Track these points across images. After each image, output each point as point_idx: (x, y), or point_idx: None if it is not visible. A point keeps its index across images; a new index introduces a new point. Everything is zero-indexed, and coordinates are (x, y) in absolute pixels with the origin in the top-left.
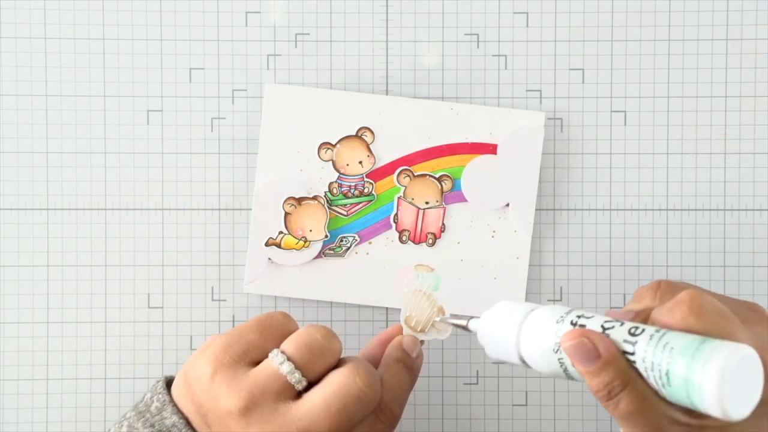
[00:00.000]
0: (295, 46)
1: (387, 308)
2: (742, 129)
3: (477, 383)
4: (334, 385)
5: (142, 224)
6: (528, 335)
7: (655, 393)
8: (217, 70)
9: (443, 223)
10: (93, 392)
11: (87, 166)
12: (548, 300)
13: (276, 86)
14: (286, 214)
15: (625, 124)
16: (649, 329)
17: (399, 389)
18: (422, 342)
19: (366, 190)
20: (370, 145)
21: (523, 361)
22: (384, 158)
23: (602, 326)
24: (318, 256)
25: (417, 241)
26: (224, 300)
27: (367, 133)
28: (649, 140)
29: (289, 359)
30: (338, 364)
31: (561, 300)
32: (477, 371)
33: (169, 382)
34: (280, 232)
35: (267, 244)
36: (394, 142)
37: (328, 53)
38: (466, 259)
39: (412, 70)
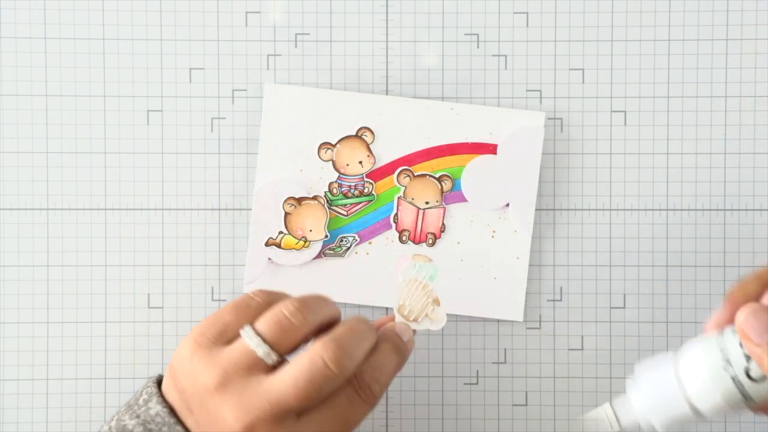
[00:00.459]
0: (295, 46)
1: (387, 308)
2: (742, 129)
3: (477, 383)
4: (303, 359)
5: (142, 224)
6: (689, 369)
7: None
8: (217, 70)
9: (443, 223)
10: (93, 392)
11: (87, 166)
12: (548, 300)
13: (276, 86)
14: (286, 214)
15: (625, 124)
16: None
17: (382, 368)
18: (414, 332)
19: (366, 190)
20: (370, 145)
21: (694, 409)
22: (384, 158)
23: None
24: (318, 256)
25: (417, 241)
26: (224, 300)
27: (367, 133)
28: (649, 140)
29: (257, 334)
30: (329, 328)
31: (561, 300)
32: (477, 371)
33: (160, 379)
34: (280, 232)
35: (267, 244)
36: (394, 142)
37: (328, 53)
38: (466, 259)
39: (412, 70)
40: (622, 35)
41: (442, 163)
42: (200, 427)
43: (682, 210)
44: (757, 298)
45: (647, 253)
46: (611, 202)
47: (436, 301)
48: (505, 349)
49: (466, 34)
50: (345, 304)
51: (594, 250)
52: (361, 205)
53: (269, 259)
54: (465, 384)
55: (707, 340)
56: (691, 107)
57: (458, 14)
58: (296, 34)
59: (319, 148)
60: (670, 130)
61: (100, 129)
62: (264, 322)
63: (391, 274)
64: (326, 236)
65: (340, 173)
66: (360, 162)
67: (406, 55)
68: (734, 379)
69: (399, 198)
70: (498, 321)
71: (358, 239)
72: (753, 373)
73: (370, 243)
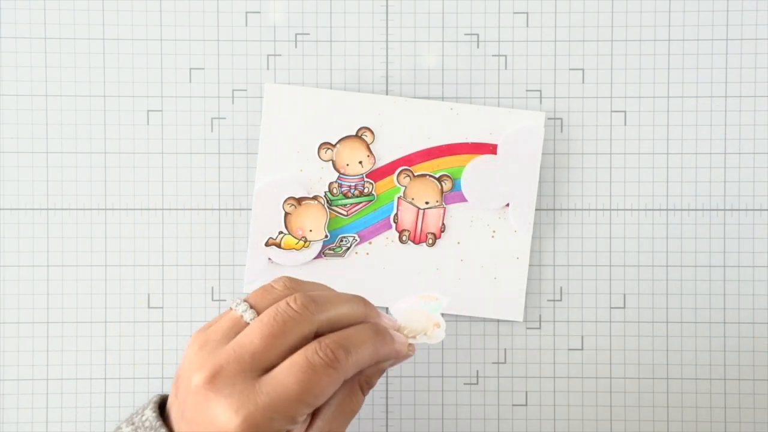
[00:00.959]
0: (295, 46)
1: (386, 308)
2: (742, 129)
3: (477, 383)
4: (274, 308)
5: (142, 224)
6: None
7: None
8: (217, 70)
9: (443, 223)
10: (93, 392)
11: (87, 166)
12: (548, 300)
13: (276, 86)
14: (286, 214)
15: (625, 124)
16: None
17: (353, 338)
18: (410, 345)
19: (366, 190)
20: (370, 145)
21: None
22: (384, 158)
23: None
24: (318, 256)
25: (417, 241)
26: (224, 300)
27: (367, 133)
28: (649, 140)
29: (244, 300)
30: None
31: (561, 300)
32: (477, 371)
33: (164, 399)
34: (280, 232)
35: (267, 244)
36: (394, 142)
37: (328, 53)
38: (466, 259)
39: (412, 70)
40: (622, 35)
41: (442, 163)
42: (177, 403)
43: (682, 210)
44: None
45: (647, 253)
46: (611, 202)
47: (437, 325)
48: (505, 349)
49: (466, 34)
50: None
51: (594, 250)
52: (361, 205)
53: (269, 259)
54: (465, 384)
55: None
56: (691, 107)
57: (458, 14)
58: (296, 34)
59: (319, 148)
60: (670, 130)
61: (100, 129)
62: (252, 293)
63: (392, 277)
64: (326, 236)
65: (340, 173)
66: (360, 162)
67: (406, 55)
68: None
69: (399, 198)
70: (498, 321)
71: (358, 239)
72: None
73: (370, 243)
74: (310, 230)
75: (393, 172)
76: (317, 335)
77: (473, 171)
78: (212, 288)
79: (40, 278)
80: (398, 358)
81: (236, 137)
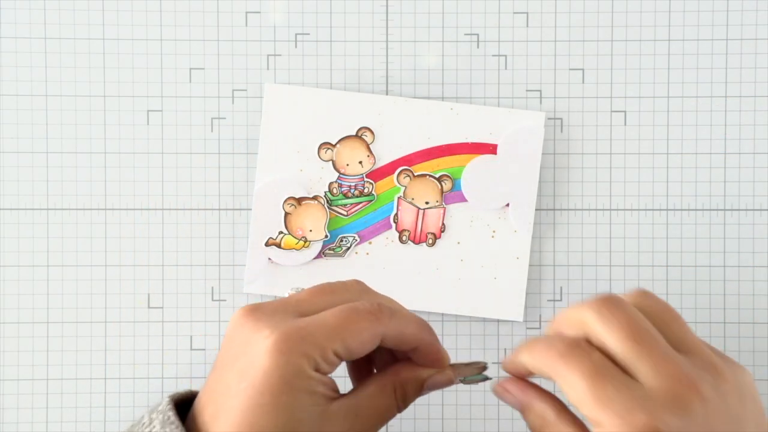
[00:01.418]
0: (295, 46)
1: None
2: (742, 129)
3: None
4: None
5: (142, 224)
6: None
7: None
8: (217, 70)
9: (443, 223)
10: (93, 392)
11: (87, 166)
12: (548, 300)
13: (276, 86)
14: (286, 214)
15: (625, 124)
16: None
17: (401, 309)
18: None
19: (366, 190)
20: (370, 145)
21: None
22: (384, 158)
23: None
24: (318, 256)
25: (417, 241)
26: (224, 300)
27: (367, 133)
28: (649, 140)
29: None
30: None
31: (561, 300)
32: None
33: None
34: (280, 232)
35: (267, 244)
36: (394, 142)
37: (328, 53)
38: (466, 259)
39: (412, 70)
40: (622, 35)
41: (442, 163)
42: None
43: (682, 210)
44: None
45: (647, 253)
46: (611, 202)
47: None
48: (505, 349)
49: (466, 34)
50: None
51: (594, 250)
52: (361, 205)
53: (269, 259)
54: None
55: None
56: (691, 107)
57: (458, 14)
58: (296, 34)
59: (319, 148)
60: (670, 130)
61: (100, 129)
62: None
63: (391, 277)
64: (326, 236)
65: (340, 173)
66: (360, 162)
67: (406, 55)
68: None
69: (399, 198)
70: (498, 321)
71: (358, 239)
72: None
73: (370, 243)
74: (310, 230)
75: (393, 172)
76: None
77: (473, 171)
78: (212, 288)
79: (40, 278)
80: (441, 365)
81: (236, 137)
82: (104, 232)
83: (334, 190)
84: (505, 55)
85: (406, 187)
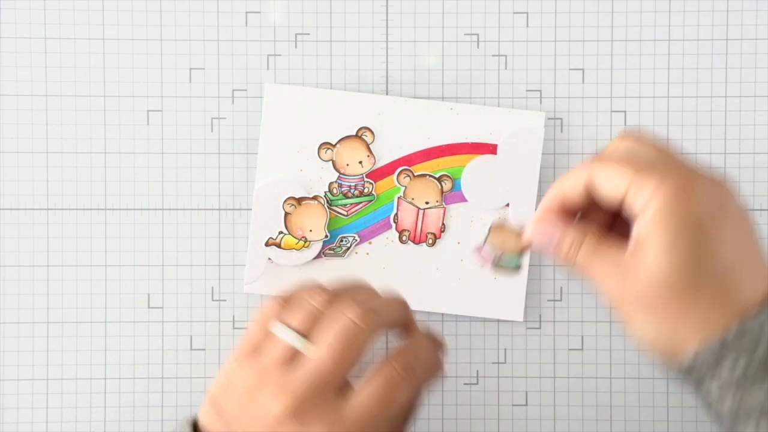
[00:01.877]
0: (295, 46)
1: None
2: (742, 129)
3: (477, 383)
4: (335, 325)
5: (142, 224)
6: None
7: None
8: (217, 70)
9: (443, 223)
10: (93, 392)
11: (87, 166)
12: (548, 300)
13: (276, 86)
14: (286, 214)
15: (625, 124)
16: None
17: (422, 348)
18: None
19: (366, 190)
20: (370, 145)
21: None
22: (384, 158)
23: None
24: (318, 256)
25: (417, 241)
26: (224, 300)
27: (367, 133)
28: None
29: (291, 328)
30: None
31: (561, 300)
32: (477, 371)
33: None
34: (280, 232)
35: (267, 244)
36: (394, 142)
37: (328, 53)
38: (466, 259)
39: (412, 70)
40: (622, 35)
41: (442, 163)
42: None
43: None
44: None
45: None
46: None
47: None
48: (505, 349)
49: (466, 34)
50: None
51: None
52: (361, 205)
53: (269, 259)
54: (465, 384)
55: None
56: (691, 107)
57: (458, 14)
58: (296, 34)
59: (319, 148)
60: (670, 130)
61: (100, 129)
62: (296, 317)
63: (391, 277)
64: (326, 236)
65: (340, 173)
66: (360, 162)
67: (406, 55)
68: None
69: (399, 198)
70: (498, 321)
71: (358, 239)
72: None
73: (370, 243)
74: (310, 230)
75: (393, 172)
76: None
77: (473, 171)
78: (212, 288)
79: (40, 278)
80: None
81: (236, 137)
82: (104, 232)
83: (334, 190)
84: (505, 55)
85: (406, 187)
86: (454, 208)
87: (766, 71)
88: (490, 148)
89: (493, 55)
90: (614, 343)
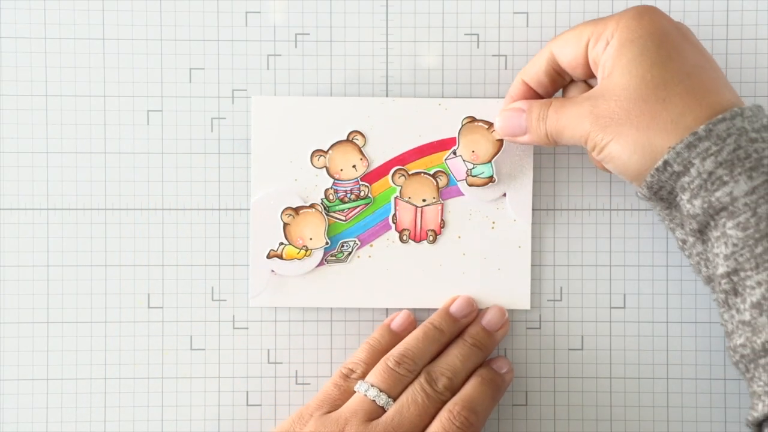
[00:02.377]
0: (295, 46)
1: (386, 309)
2: None
3: None
4: (411, 395)
5: (142, 224)
6: None
7: None
8: (217, 70)
9: (442, 219)
10: (93, 392)
11: (87, 166)
12: (548, 300)
13: (262, 98)
14: (285, 224)
15: None
16: None
17: (475, 398)
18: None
19: (362, 194)
20: (362, 148)
21: None
22: (377, 160)
23: None
24: (320, 264)
25: (418, 240)
26: (224, 300)
27: (358, 137)
28: None
29: (372, 385)
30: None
31: (561, 300)
32: None
33: None
34: (281, 243)
35: (269, 257)
36: (385, 143)
37: (328, 53)
38: (468, 252)
39: (412, 70)
40: None
41: (435, 160)
42: None
43: None
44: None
45: (647, 253)
46: (611, 202)
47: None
48: (505, 349)
49: (466, 34)
50: (348, 309)
51: (594, 250)
52: (358, 209)
53: (272, 271)
54: None
55: None
56: None
57: (458, 14)
58: (296, 34)
59: (312, 156)
60: None
61: (100, 129)
62: (376, 375)
63: (395, 278)
64: (327, 243)
65: (335, 179)
66: (353, 166)
67: (406, 55)
68: None
69: (396, 198)
70: None
71: (359, 243)
72: None
73: (371, 246)
74: (311, 238)
75: (387, 173)
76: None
77: None
78: (212, 288)
79: (40, 278)
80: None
81: (236, 137)
82: (104, 232)
83: (331, 197)
84: (505, 55)
85: (401, 186)
86: (452, 203)
87: (766, 71)
88: None
89: (493, 55)
90: (614, 343)
